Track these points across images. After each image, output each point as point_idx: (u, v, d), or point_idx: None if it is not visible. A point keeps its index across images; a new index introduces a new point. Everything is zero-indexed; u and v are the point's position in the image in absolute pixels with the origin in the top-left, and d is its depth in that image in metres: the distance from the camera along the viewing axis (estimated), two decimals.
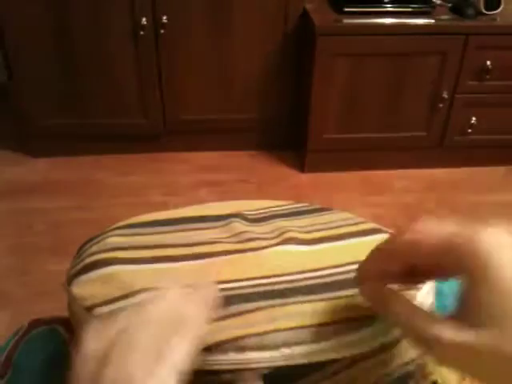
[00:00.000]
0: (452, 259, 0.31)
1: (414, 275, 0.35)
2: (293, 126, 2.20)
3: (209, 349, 0.38)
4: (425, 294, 0.44)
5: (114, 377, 0.32)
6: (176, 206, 0.57)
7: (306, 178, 2.11)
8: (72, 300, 0.45)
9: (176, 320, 0.35)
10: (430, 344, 0.31)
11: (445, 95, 1.98)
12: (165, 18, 1.87)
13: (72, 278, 0.47)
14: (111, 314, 0.40)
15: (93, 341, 0.35)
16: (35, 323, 0.57)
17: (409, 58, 1.91)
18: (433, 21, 1.87)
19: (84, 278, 0.45)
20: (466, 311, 0.30)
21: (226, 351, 0.38)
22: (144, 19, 1.86)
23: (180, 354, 0.34)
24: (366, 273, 0.38)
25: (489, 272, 0.29)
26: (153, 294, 0.40)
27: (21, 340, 0.54)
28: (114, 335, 0.35)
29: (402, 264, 0.35)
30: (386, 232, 0.51)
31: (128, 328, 0.35)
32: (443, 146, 2.12)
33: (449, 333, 0.30)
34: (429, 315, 0.33)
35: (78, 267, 0.47)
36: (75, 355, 0.35)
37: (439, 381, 0.51)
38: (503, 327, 0.28)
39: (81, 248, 0.52)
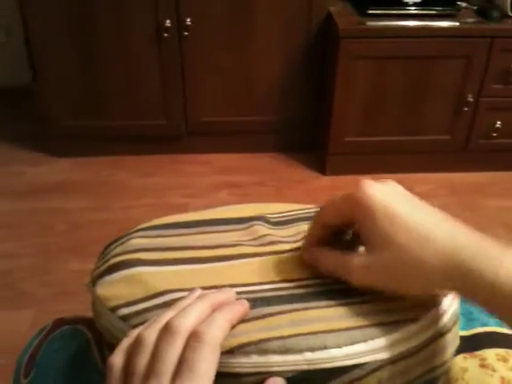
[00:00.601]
0: (348, 212, 0.41)
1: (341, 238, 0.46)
2: (314, 128, 2.19)
3: (231, 351, 0.38)
4: (450, 300, 0.44)
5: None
6: (196, 208, 0.57)
7: (326, 181, 2.10)
8: (96, 300, 0.45)
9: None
10: (347, 271, 0.41)
11: (470, 99, 1.95)
12: (188, 20, 1.88)
13: (96, 278, 0.47)
14: (137, 316, 0.41)
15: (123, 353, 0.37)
16: (59, 323, 0.57)
17: (433, 61, 1.89)
18: (457, 23, 1.85)
19: (108, 278, 0.46)
20: (366, 242, 0.41)
21: (248, 354, 0.38)
22: (168, 21, 1.88)
23: (207, 365, 0.35)
24: (306, 242, 0.47)
25: (370, 213, 0.40)
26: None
27: (44, 339, 0.55)
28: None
29: (323, 227, 0.45)
30: None
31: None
32: (467, 149, 2.10)
33: (356, 259, 0.41)
34: (345, 252, 0.42)
35: (102, 268, 0.47)
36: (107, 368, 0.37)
37: None
38: (389, 250, 0.39)
39: (105, 249, 0.52)
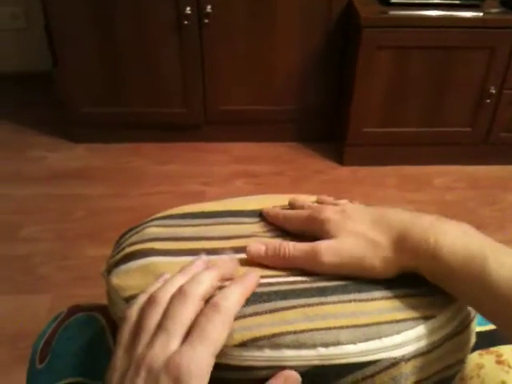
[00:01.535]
0: (311, 226, 0.49)
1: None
2: (333, 118, 2.18)
3: (244, 344, 0.38)
4: None
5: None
6: (213, 197, 0.57)
7: (344, 171, 2.09)
8: (111, 290, 0.46)
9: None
10: (315, 250, 0.45)
11: (492, 91, 1.92)
12: (209, 7, 1.87)
13: (111, 267, 0.47)
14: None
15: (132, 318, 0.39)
16: (74, 309, 0.58)
17: (455, 52, 1.86)
18: (481, 14, 1.81)
19: (123, 268, 0.46)
20: (325, 237, 0.47)
21: (261, 348, 0.38)
22: (188, 8, 1.87)
23: (218, 334, 0.36)
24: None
25: (324, 227, 0.47)
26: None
27: (60, 326, 0.55)
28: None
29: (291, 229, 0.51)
30: None
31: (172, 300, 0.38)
32: (488, 142, 2.07)
33: (324, 242, 0.45)
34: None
35: (118, 257, 0.48)
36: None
37: None
38: (351, 236, 0.45)
39: (120, 237, 0.52)
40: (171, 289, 0.40)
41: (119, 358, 0.37)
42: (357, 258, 0.44)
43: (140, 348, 0.36)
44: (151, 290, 0.41)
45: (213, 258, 0.46)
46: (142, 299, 0.40)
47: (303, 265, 0.45)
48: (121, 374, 0.36)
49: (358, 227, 0.46)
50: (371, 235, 0.44)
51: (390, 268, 0.43)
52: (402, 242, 0.43)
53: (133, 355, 0.36)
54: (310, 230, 0.49)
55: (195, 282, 0.39)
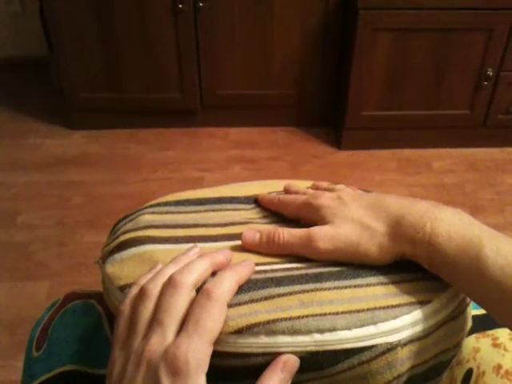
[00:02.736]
0: (307, 212, 0.49)
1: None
2: (331, 102, 2.17)
3: (239, 331, 0.38)
4: None
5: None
6: (211, 183, 0.57)
7: (342, 155, 2.09)
8: (106, 278, 0.45)
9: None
10: (311, 237, 0.45)
11: (490, 73, 1.91)
12: None
13: (106, 255, 0.47)
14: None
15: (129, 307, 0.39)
16: (70, 297, 0.58)
17: (453, 34, 1.85)
18: None
19: (118, 256, 0.46)
20: (321, 223, 0.46)
21: (257, 334, 0.38)
22: None
23: (213, 321, 0.36)
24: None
25: (320, 213, 0.47)
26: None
27: (56, 313, 0.55)
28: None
29: (286, 214, 0.52)
30: None
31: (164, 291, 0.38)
32: (486, 125, 2.06)
33: (321, 228, 0.45)
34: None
35: (112, 245, 0.47)
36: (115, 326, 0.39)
37: (475, 369, 0.49)
38: (348, 223, 0.44)
39: (115, 225, 0.52)
40: (162, 280, 0.39)
41: (117, 354, 0.37)
42: (352, 244, 0.43)
43: (136, 343, 0.36)
44: (142, 281, 0.40)
45: (208, 245, 0.46)
46: (133, 292, 0.40)
47: (298, 251, 0.45)
48: (120, 371, 0.36)
49: (354, 213, 0.45)
50: (367, 221, 0.44)
51: (385, 254, 0.43)
52: (397, 229, 0.42)
53: (130, 350, 0.36)
54: (306, 216, 0.49)
55: (186, 270, 0.39)
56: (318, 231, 0.45)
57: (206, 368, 0.35)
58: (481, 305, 0.40)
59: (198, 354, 0.34)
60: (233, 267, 0.41)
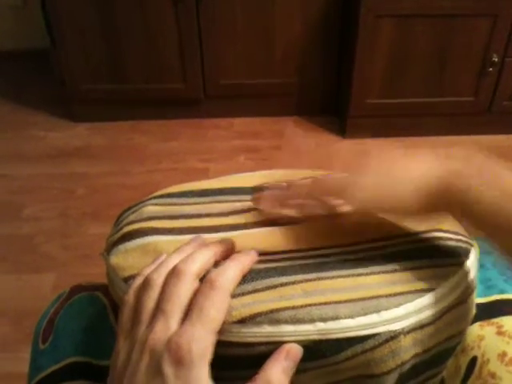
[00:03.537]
0: (318, 187, 0.48)
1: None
2: (334, 91, 2.16)
3: (243, 321, 0.38)
4: (467, 270, 0.43)
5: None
6: (216, 173, 0.57)
7: (345, 144, 2.08)
8: (110, 269, 0.45)
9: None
10: (347, 187, 0.45)
11: (495, 59, 1.90)
12: None
13: (111, 247, 0.47)
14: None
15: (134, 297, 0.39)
16: (76, 289, 0.58)
17: (457, 20, 1.83)
18: None
19: (122, 247, 0.46)
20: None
21: (260, 324, 0.38)
22: None
23: (216, 310, 0.36)
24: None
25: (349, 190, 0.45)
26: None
27: (62, 306, 0.56)
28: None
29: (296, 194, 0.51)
30: None
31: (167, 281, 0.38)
32: (491, 111, 2.05)
33: (357, 178, 0.45)
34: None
35: (116, 236, 0.47)
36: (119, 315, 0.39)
37: (479, 356, 0.50)
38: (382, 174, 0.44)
39: (119, 217, 0.52)
40: (166, 269, 0.39)
41: (121, 344, 0.37)
42: (385, 190, 0.43)
43: (140, 332, 0.36)
44: (146, 272, 0.40)
45: (212, 235, 0.46)
46: (137, 282, 0.40)
47: (338, 192, 0.46)
48: (124, 359, 0.36)
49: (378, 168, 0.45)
50: (396, 169, 0.44)
51: (419, 202, 0.42)
52: (433, 192, 0.41)
53: (134, 340, 0.36)
54: (318, 191, 0.49)
55: (189, 260, 0.39)
56: (353, 181, 0.45)
57: (209, 357, 0.35)
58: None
59: (201, 343, 0.34)
60: (236, 257, 0.41)
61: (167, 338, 0.35)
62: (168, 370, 0.33)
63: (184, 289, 0.37)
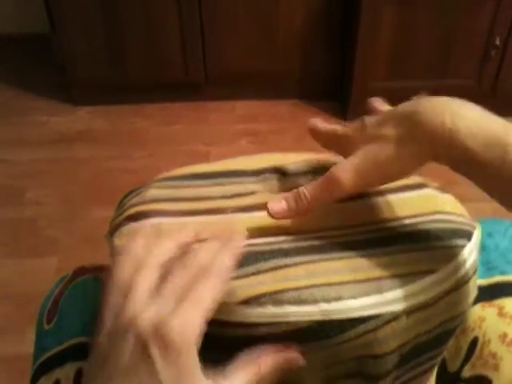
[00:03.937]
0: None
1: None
2: (337, 75, 2.15)
3: (247, 302, 0.38)
4: (469, 251, 0.43)
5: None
6: (218, 156, 0.57)
7: None
8: (113, 251, 0.46)
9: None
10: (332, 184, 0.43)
11: (497, 42, 1.89)
12: None
13: (114, 229, 0.47)
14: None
15: (122, 271, 0.37)
16: (80, 271, 0.58)
17: (461, 3, 1.82)
18: None
19: (124, 229, 0.46)
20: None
21: (263, 304, 0.38)
22: None
23: (209, 297, 0.35)
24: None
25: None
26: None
27: (66, 287, 0.56)
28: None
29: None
30: (431, 186, 0.49)
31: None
32: (495, 95, 2.04)
33: (331, 169, 0.43)
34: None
35: (120, 218, 0.48)
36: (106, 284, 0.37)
37: (480, 337, 0.50)
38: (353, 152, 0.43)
39: (122, 199, 0.52)
40: (159, 253, 0.38)
41: (107, 318, 0.35)
42: (370, 160, 0.42)
43: (128, 312, 0.34)
44: (139, 250, 0.38)
45: (213, 218, 0.46)
46: (130, 259, 0.38)
47: (326, 196, 0.44)
48: (108, 337, 0.34)
49: (369, 132, 0.44)
50: (379, 132, 0.42)
51: (408, 161, 0.41)
52: (414, 129, 0.40)
53: (122, 317, 0.34)
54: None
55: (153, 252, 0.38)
56: (335, 169, 0.43)
57: (197, 341, 0.34)
58: (502, 203, 0.39)
59: (192, 328, 0.33)
60: (223, 240, 0.39)
61: (155, 323, 0.33)
62: (155, 353, 0.32)
63: (147, 278, 0.36)
